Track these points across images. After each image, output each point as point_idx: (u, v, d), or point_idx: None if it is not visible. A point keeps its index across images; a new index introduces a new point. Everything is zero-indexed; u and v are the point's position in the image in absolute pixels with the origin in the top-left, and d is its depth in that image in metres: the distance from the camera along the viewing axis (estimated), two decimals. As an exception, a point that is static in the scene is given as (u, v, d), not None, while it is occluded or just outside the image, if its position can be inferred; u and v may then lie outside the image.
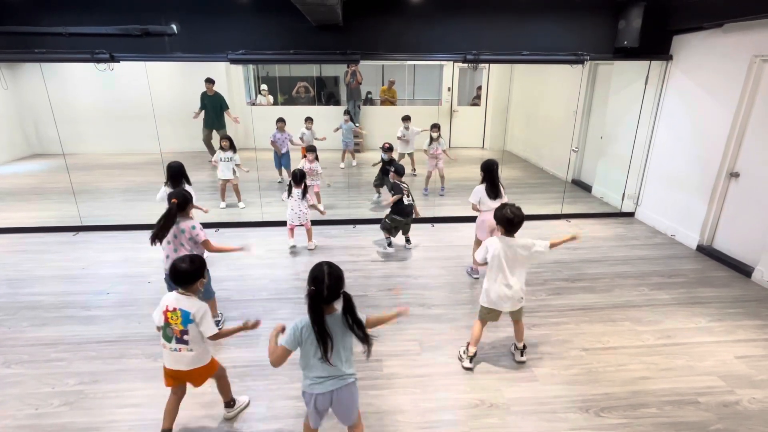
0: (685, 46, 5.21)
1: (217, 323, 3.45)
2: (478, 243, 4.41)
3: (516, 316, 3.11)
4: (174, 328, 2.32)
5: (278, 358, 2.07)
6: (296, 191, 4.87)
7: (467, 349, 3.14)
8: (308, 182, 6.33)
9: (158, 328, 2.36)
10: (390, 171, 6.43)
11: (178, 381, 2.47)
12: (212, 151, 8.74)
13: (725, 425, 2.63)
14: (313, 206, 5.01)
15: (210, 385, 2.93)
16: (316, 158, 6.03)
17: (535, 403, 2.80)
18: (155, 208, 5.90)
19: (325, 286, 1.95)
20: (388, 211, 4.89)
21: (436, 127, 6.92)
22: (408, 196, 4.75)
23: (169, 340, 2.34)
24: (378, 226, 5.77)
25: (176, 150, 7.45)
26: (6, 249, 5.10)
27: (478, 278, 4.38)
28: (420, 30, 5.13)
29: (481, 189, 4.15)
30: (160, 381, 2.95)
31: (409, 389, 2.92)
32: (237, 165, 6.24)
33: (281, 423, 2.64)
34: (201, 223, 3.29)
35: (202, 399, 2.82)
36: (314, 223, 5.82)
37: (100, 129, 9.40)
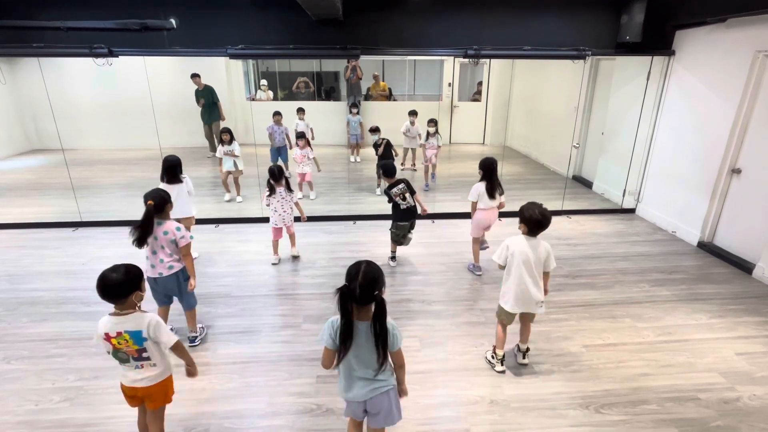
0: (688, 41, 5.18)
1: (194, 339, 3.27)
2: (475, 242, 4.41)
3: (528, 317, 3.02)
4: (127, 350, 2.04)
5: (324, 359, 1.98)
6: (279, 189, 4.37)
7: (495, 353, 3.06)
8: (301, 170, 6.39)
9: (105, 341, 2.06)
10: (389, 155, 6.38)
11: (138, 401, 2.22)
12: (213, 147, 8.74)
13: (725, 422, 2.63)
14: (297, 204, 4.56)
15: (210, 381, 2.94)
16: (308, 143, 6.32)
17: (536, 400, 2.80)
18: (155, 203, 5.93)
19: (358, 284, 1.84)
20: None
21: (432, 122, 6.89)
22: (404, 199, 4.29)
23: (126, 361, 2.08)
24: (378, 222, 5.79)
25: (176, 145, 7.42)
26: (5, 244, 5.09)
27: (480, 275, 4.36)
28: (420, 25, 5.10)
29: (480, 186, 4.13)
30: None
31: (409, 386, 2.88)
32: (236, 156, 6.22)
33: (282, 419, 2.64)
34: (197, 219, 3.26)
35: (201, 395, 2.82)
36: (314, 219, 5.83)
37: (99, 124, 9.37)
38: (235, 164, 6.24)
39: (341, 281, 1.92)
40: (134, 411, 2.68)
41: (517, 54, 5.40)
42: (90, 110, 9.22)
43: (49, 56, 5.11)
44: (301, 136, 6.35)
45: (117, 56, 4.86)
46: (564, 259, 4.75)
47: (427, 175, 7.21)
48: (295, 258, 4.70)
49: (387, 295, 3.97)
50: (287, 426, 2.60)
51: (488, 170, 4.11)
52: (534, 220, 2.76)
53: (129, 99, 8.01)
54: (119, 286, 2.02)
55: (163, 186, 4.03)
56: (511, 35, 5.17)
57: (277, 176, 4.32)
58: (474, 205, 4.20)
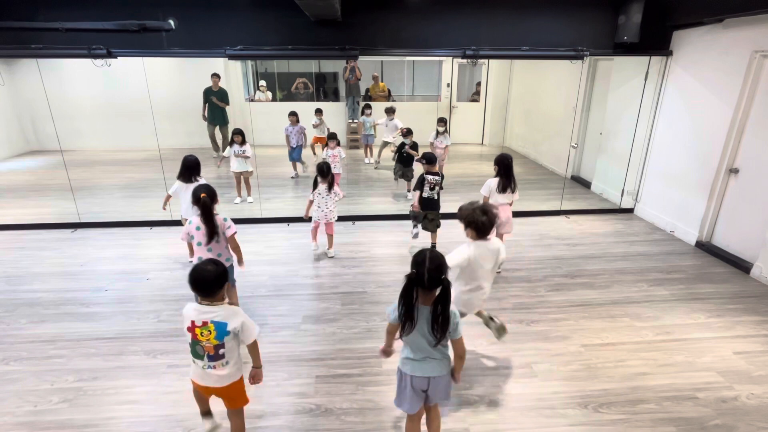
0: (685, 41, 5.19)
1: None
2: None
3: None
4: (205, 345, 2.03)
5: (388, 335, 2.19)
6: (322, 186, 4.49)
7: None
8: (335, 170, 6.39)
9: (188, 329, 2.09)
10: (411, 158, 6.39)
11: (210, 394, 2.24)
12: (216, 147, 8.75)
13: (724, 421, 2.64)
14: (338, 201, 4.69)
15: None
16: (338, 144, 6.28)
17: (534, 399, 2.80)
18: (153, 204, 5.93)
19: (426, 269, 1.95)
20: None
21: (442, 121, 6.94)
22: (432, 189, 4.51)
23: (200, 357, 2.07)
24: (377, 222, 5.79)
25: (174, 146, 7.44)
26: (4, 246, 5.08)
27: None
28: (419, 25, 5.11)
29: (492, 182, 4.18)
30: (159, 378, 2.96)
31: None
32: (246, 158, 6.20)
33: (281, 419, 2.64)
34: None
35: (201, 395, 2.82)
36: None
37: (98, 125, 9.37)
38: (245, 165, 6.26)
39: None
40: (133, 412, 2.69)
41: (515, 54, 5.41)
42: (88, 111, 9.22)
43: (47, 57, 5.12)
44: (332, 137, 6.35)
45: (115, 57, 4.86)
46: (562, 259, 4.75)
47: None
48: (330, 258, 4.71)
49: (386, 295, 4.00)
50: (286, 426, 2.60)
51: (503, 166, 4.16)
52: (478, 223, 2.67)
53: (127, 100, 8.02)
54: (216, 278, 2.03)
55: (179, 183, 4.15)
56: (509, 36, 5.19)
57: (325, 173, 4.44)
58: (485, 200, 4.23)
